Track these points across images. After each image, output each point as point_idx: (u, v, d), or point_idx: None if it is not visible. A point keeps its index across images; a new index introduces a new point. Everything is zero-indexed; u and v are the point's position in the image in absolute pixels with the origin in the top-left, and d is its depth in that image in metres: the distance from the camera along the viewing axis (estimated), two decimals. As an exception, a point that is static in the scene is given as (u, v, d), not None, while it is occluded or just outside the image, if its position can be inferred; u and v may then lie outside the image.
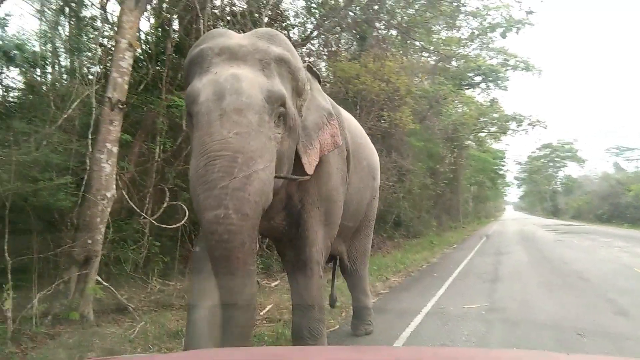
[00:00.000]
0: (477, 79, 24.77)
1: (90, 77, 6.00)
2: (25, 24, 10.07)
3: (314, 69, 3.19)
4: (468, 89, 24.82)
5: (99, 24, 6.91)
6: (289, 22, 11.20)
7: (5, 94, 6.43)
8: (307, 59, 11.31)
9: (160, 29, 7.81)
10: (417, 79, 14.98)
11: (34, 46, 6.55)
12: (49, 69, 6.77)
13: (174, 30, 7.73)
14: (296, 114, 2.73)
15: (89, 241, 4.88)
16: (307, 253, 3.09)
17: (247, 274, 2.26)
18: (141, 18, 5.74)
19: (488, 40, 20.86)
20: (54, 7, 6.66)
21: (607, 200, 36.42)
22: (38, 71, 6.62)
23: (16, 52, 6.11)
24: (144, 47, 7.42)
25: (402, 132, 14.17)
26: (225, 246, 2.15)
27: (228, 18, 7.95)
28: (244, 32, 4.71)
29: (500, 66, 23.79)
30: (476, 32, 19.46)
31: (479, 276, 8.84)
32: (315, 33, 11.44)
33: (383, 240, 13.78)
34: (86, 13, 6.93)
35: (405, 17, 12.83)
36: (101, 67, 6.26)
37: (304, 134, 2.87)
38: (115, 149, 5.11)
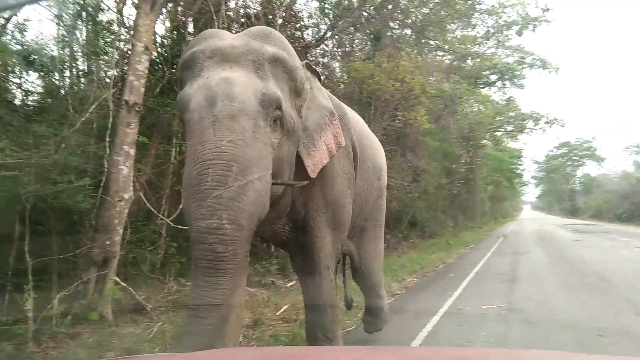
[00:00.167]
0: (493, 77, 24.56)
1: (108, 80, 6.08)
2: (43, 29, 10.24)
3: (313, 66, 3.06)
4: (484, 87, 24.59)
5: (115, 27, 6.99)
6: (302, 23, 11.24)
7: (24, 97, 6.54)
8: (321, 59, 11.36)
9: (175, 32, 7.88)
10: (432, 79, 14.89)
11: (52, 50, 6.66)
12: (67, 73, 6.86)
13: (189, 33, 7.78)
14: (295, 116, 2.62)
15: (107, 242, 4.95)
16: (315, 258, 3.03)
17: (233, 286, 2.14)
18: (157, 21, 5.81)
19: (504, 38, 20.69)
20: (71, 11, 6.76)
21: (627, 199, 35.78)
22: (56, 75, 6.72)
23: (35, 56, 6.20)
24: (159, 50, 7.50)
25: (417, 132, 14.11)
26: (215, 256, 2.03)
27: (242, 20, 8.01)
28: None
29: (516, 64, 23.56)
30: (492, 30, 19.30)
31: (496, 276, 8.74)
32: (329, 34, 11.44)
33: (399, 241, 13.73)
34: (103, 17, 7.02)
35: (420, 16, 12.79)
36: (118, 70, 6.34)
37: (305, 135, 2.74)
38: (132, 151, 5.17)
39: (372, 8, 11.60)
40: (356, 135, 3.52)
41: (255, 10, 8.55)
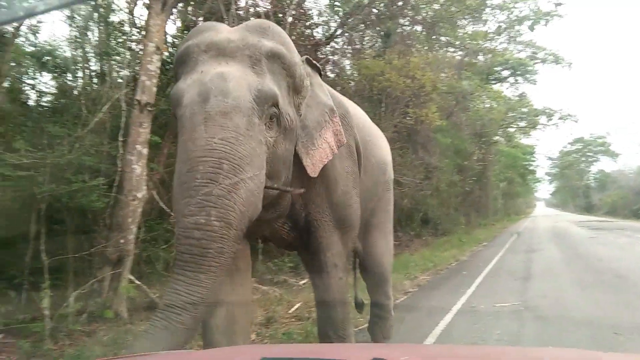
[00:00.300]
0: (505, 73, 24.33)
1: (120, 80, 6.15)
2: (56, 30, 10.35)
3: (314, 61, 2.92)
4: (495, 83, 24.40)
5: (127, 28, 7.07)
6: (312, 21, 11.23)
7: (38, 98, 6.63)
8: (331, 57, 11.35)
9: (186, 32, 7.90)
10: (443, 75, 14.80)
11: (65, 51, 6.74)
12: (80, 74, 6.94)
13: (200, 33, 7.82)
14: (293, 113, 2.52)
15: (122, 241, 5.00)
16: (322, 258, 2.95)
17: (214, 286, 1.99)
18: (168, 21, 5.84)
19: (515, 34, 20.49)
20: (83, 13, 6.83)
21: (643, 196, 35.32)
22: (69, 76, 6.80)
23: (48, 57, 6.29)
24: (171, 50, 7.54)
25: (428, 128, 14.02)
26: (199, 251, 1.93)
27: (252, 18, 8.01)
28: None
29: (528, 59, 23.29)
30: (503, 26, 19.12)
31: (510, 274, 8.67)
32: (339, 31, 11.41)
33: (411, 238, 13.69)
34: (114, 18, 7.10)
35: (430, 13, 12.70)
36: (130, 70, 6.40)
37: (304, 134, 2.63)
38: (145, 151, 5.21)
39: (382, 5, 11.55)
40: (359, 132, 3.40)
41: (265, 9, 8.56)
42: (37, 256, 4.64)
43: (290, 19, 8.87)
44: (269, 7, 8.60)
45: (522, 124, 27.63)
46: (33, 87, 6.50)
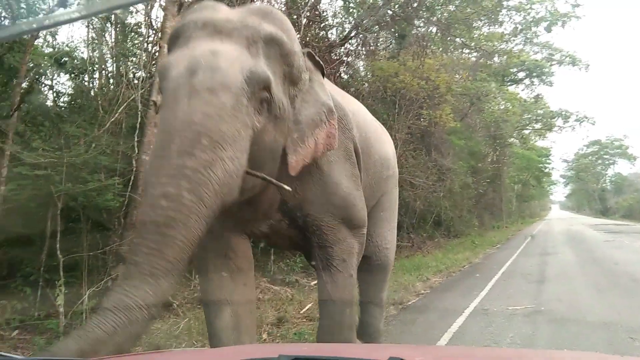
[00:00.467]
0: (521, 74, 24.13)
1: (136, 81, 6.21)
2: (74, 32, 10.49)
3: (317, 58, 2.75)
4: (511, 85, 24.18)
5: (143, 30, 7.14)
6: (327, 22, 11.24)
7: (56, 99, 6.74)
8: (345, 58, 11.35)
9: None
10: (458, 76, 14.72)
11: (82, 53, 6.84)
12: (97, 75, 7.05)
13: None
14: (286, 102, 2.37)
15: (136, 240, 5.04)
16: (329, 252, 2.83)
17: (179, 261, 1.78)
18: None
19: (532, 35, 20.22)
20: (100, 15, 6.92)
21: (661, 199, 34.72)
22: (86, 77, 6.90)
23: (66, 58, 6.38)
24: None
25: (442, 130, 13.98)
26: (164, 220, 1.76)
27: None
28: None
29: (545, 61, 23.04)
30: (519, 27, 18.91)
31: (524, 277, 8.59)
32: (353, 32, 11.41)
33: (423, 240, 13.62)
34: (131, 20, 7.19)
35: (445, 14, 12.62)
36: (146, 71, 6.46)
37: (295, 129, 2.46)
38: (159, 151, 5.25)
39: (396, 6, 11.51)
40: (360, 130, 3.25)
41: (279, 10, 8.59)
42: (53, 254, 4.70)
43: (304, 21, 8.89)
44: (283, 8, 8.64)
45: (538, 126, 27.32)
46: (51, 87, 6.61)
